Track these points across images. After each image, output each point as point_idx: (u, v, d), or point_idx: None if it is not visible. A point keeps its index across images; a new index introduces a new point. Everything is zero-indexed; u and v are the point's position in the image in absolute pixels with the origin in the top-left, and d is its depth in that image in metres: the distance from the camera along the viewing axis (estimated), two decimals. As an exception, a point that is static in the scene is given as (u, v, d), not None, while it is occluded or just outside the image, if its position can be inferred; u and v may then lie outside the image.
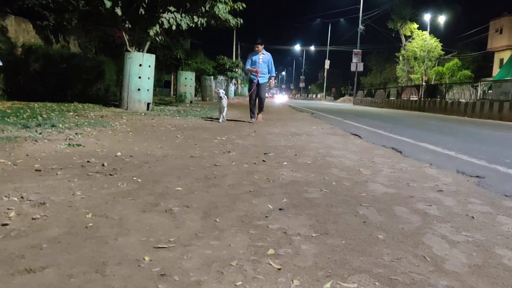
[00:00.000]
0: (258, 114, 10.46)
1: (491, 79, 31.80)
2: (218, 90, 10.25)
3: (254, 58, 10.25)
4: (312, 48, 77.67)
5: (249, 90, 10.40)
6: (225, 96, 9.94)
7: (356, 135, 8.12)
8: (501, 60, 41.99)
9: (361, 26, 46.08)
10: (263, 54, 10.23)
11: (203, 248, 1.93)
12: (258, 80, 10.08)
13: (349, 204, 2.88)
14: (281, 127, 9.13)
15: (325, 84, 69.98)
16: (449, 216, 2.67)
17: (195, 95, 23.07)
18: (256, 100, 10.28)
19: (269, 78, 10.39)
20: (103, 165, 3.71)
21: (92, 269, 1.66)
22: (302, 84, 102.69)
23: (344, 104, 44.46)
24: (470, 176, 4.07)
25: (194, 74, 21.75)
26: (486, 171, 4.37)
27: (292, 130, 8.63)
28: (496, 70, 41.19)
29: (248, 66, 10.35)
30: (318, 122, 11.68)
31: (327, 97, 71.29)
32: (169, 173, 3.57)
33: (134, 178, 3.28)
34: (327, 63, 62.62)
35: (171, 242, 1.99)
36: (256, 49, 10.23)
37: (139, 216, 2.38)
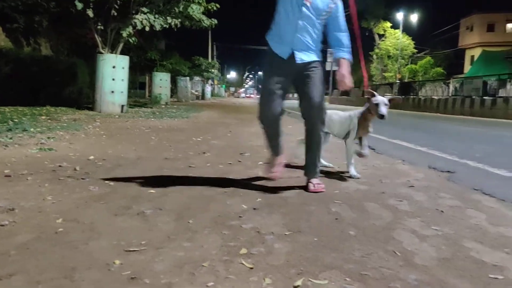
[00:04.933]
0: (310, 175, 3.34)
1: (462, 76, 32.50)
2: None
3: None
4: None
5: (264, 82, 3.25)
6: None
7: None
8: (472, 57, 42.94)
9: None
10: None
11: (175, 250, 1.92)
12: (296, 55, 3.13)
13: (322, 201, 2.90)
14: (257, 127, 9.13)
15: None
16: (420, 211, 2.72)
17: (171, 97, 22.92)
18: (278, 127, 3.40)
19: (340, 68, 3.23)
20: (75, 169, 3.65)
21: (61, 274, 1.63)
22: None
23: (320, 103, 44.60)
24: (441, 171, 4.16)
25: (169, 75, 21.60)
26: (457, 166, 4.46)
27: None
28: (467, 67, 42.11)
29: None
30: (294, 122, 11.73)
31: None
32: (142, 175, 3.53)
33: (107, 182, 3.24)
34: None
35: (142, 245, 1.97)
36: None
37: (111, 220, 2.35)
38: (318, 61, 3.23)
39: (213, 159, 4.49)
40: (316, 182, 3.24)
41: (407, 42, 45.46)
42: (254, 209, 2.65)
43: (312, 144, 3.29)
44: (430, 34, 47.85)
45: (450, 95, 23.28)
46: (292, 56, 3.12)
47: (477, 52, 40.49)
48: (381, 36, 48.00)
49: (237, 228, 2.28)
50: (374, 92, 3.57)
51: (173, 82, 25.29)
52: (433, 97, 24.38)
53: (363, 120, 3.72)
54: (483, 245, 2.13)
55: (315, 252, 1.97)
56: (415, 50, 46.45)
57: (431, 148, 5.90)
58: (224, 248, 1.98)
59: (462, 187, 3.46)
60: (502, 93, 19.14)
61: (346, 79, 3.16)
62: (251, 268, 1.76)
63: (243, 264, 1.79)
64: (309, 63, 3.17)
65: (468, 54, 45.53)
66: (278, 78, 3.15)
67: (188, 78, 27.04)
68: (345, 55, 3.22)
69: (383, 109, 3.45)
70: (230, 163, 4.27)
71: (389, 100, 3.54)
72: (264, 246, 2.02)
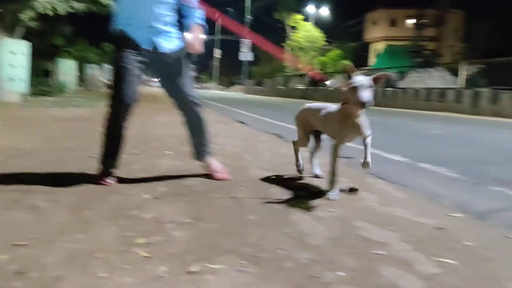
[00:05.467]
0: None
1: (367, 68, 34.37)
2: None
3: None
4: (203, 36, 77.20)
5: (116, 72, 2.86)
6: None
7: (243, 122, 8.29)
8: (376, 51, 45.49)
9: (248, 16, 46.90)
10: None
11: (68, 243, 1.84)
12: (158, 43, 2.90)
13: (227, 189, 2.93)
14: (168, 116, 8.98)
15: (216, 73, 70.27)
16: (319, 195, 2.85)
17: (79, 85, 21.79)
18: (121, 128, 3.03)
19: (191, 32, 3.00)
20: (-39, 161, 3.36)
21: None
22: (194, 73, 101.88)
23: (235, 93, 45.04)
24: (342, 157, 4.37)
25: (75, 62, 20.49)
26: (356, 152, 4.69)
27: (179, 119, 8.54)
28: (372, 60, 44.58)
29: None
30: (206, 111, 11.71)
31: (218, 86, 71.67)
32: (38, 167, 3.34)
33: (-3, 174, 3.02)
34: (217, 52, 62.78)
35: (32, 239, 1.87)
36: None
37: (0, 214, 2.20)
38: (182, 47, 3.02)
39: (118, 149, 4.34)
40: (216, 167, 3.27)
41: (317, 34, 47.03)
42: (156, 198, 2.61)
43: (197, 128, 3.27)
44: (339, 27, 49.96)
45: (356, 86, 24.52)
46: (153, 44, 2.88)
47: (380, 46, 42.99)
48: (293, 28, 49.17)
49: (136, 218, 2.24)
50: (352, 71, 2.58)
51: (81, 69, 24.04)
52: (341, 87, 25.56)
53: (345, 117, 2.75)
54: (372, 224, 2.28)
55: (214, 238, 1.99)
56: (325, 43, 48.23)
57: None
58: (120, 238, 1.93)
59: (359, 172, 3.67)
60: (401, 84, 20.53)
61: (197, 43, 2.96)
62: (147, 257, 1.74)
63: (138, 253, 1.77)
64: (173, 51, 2.97)
65: (372, 48, 48.13)
66: (134, 67, 2.84)
67: (96, 65, 25.85)
68: (198, 21, 3.01)
69: (365, 94, 2.46)
70: (134, 153, 4.16)
71: (375, 79, 2.54)
72: (163, 234, 2.00)
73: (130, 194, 2.69)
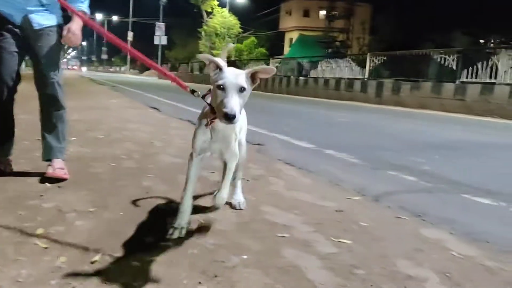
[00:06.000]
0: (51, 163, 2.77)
1: (282, 56, 35.12)
2: None
3: None
4: (115, 18, 74.13)
5: None
6: None
7: (155, 108, 8.14)
8: (291, 40, 46.57)
9: (163, 0, 45.75)
10: None
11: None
12: (32, 19, 2.60)
13: (135, 176, 2.88)
14: (77, 101, 8.54)
15: (129, 57, 67.85)
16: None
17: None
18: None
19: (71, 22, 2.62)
20: None
21: None
22: (105, 56, 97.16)
23: (149, 78, 43.82)
24: (252, 144, 4.47)
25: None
26: (267, 139, 4.86)
27: (88, 103, 8.20)
28: (286, 49, 45.59)
29: None
30: (118, 96, 11.33)
31: (131, 70, 69.31)
32: None
33: None
34: (130, 35, 60.51)
35: None
36: None
37: None
38: (58, 25, 2.66)
39: (18, 135, 4.06)
40: (59, 166, 2.70)
41: (233, 21, 47.08)
42: (59, 187, 2.50)
43: (51, 116, 2.78)
44: (254, 15, 50.41)
45: (271, 74, 24.96)
46: (26, 20, 2.57)
47: (295, 35, 44.06)
48: (209, 13, 48.75)
49: (36, 207, 2.13)
50: (216, 61, 1.77)
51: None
52: (256, 75, 25.85)
53: (203, 125, 1.95)
54: (278, 209, 2.37)
55: (119, 227, 1.95)
56: (241, 30, 48.44)
57: (248, 124, 6.28)
58: (17, 230, 1.83)
59: (269, 158, 3.78)
60: (313, 74, 21.26)
61: (73, 36, 2.57)
62: (46, 248, 1.67)
63: (37, 244, 1.69)
64: (48, 27, 2.63)
65: (287, 37, 49.21)
66: (10, 44, 2.56)
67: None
68: (83, 8, 2.66)
69: (232, 102, 1.65)
70: (38, 139, 3.92)
71: (254, 75, 1.79)
72: (64, 224, 1.93)
73: (30, 182, 2.55)
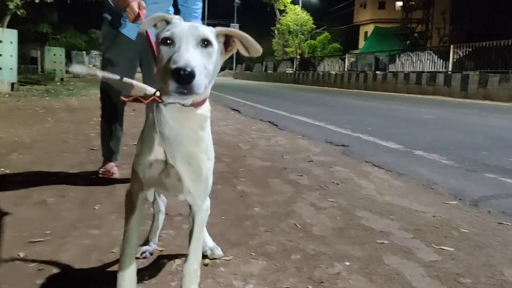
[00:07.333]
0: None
1: (357, 51, 34.40)
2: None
3: None
4: (190, 21, 76.36)
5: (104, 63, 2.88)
6: None
7: (236, 110, 8.34)
8: (366, 33, 45.44)
9: (237, 0, 46.58)
10: None
11: (81, 238, 1.90)
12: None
13: (228, 179, 3.00)
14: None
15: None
16: (317, 185, 2.94)
17: (66, 72, 21.56)
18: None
19: None
20: (-38, 156, 3.38)
21: (-42, 273, 1.56)
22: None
23: (225, 78, 44.90)
24: (337, 145, 4.47)
25: (63, 49, 20.25)
26: (351, 139, 4.82)
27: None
28: (361, 43, 44.56)
29: None
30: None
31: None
32: (40, 161, 3.37)
33: (2, 169, 3.05)
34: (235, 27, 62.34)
35: (46, 235, 1.92)
36: None
37: (10, 210, 2.24)
38: None
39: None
40: (109, 168, 2.93)
41: (306, 18, 46.83)
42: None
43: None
44: (328, 10, 49.79)
45: (346, 70, 24.59)
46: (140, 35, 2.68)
47: (370, 28, 42.93)
48: (281, 11, 48.86)
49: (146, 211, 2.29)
50: (164, 15, 1.19)
51: (69, 57, 23.78)
52: (331, 72, 25.60)
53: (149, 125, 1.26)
54: (372, 213, 2.37)
55: (222, 230, 2.06)
56: (314, 26, 48.07)
57: (328, 123, 6.27)
58: (132, 232, 1.99)
59: (355, 160, 3.76)
60: (392, 68, 20.64)
61: None
62: (161, 250, 1.81)
63: (156, 248, 1.83)
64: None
65: (362, 30, 48.06)
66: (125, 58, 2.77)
67: (84, 52, 25.58)
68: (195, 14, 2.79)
69: (185, 55, 1.01)
70: (135, 144, 4.20)
71: (227, 38, 1.19)
72: (173, 227, 2.07)
73: (135, 187, 2.74)
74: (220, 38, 1.16)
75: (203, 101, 1.17)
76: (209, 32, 1.10)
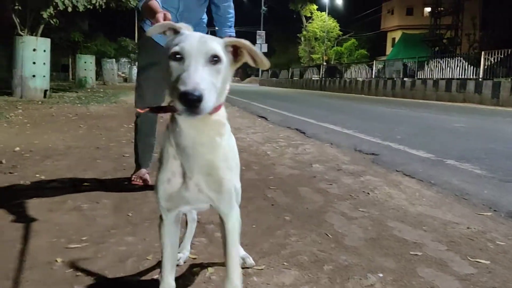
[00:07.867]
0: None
1: (385, 57, 34.04)
2: None
3: None
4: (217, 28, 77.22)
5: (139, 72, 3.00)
6: None
7: (263, 117, 8.36)
8: (393, 39, 44.96)
9: (263, 7, 46.83)
10: None
11: (117, 245, 1.94)
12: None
13: (258, 188, 3.02)
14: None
15: (231, 65, 70.13)
16: (348, 194, 2.92)
17: (96, 79, 22.07)
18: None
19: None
20: (1, 162, 3.49)
21: (3, 276, 1.61)
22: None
23: (251, 85, 45.16)
24: (366, 153, 4.43)
25: (94, 57, 20.74)
26: (380, 148, 4.77)
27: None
28: (389, 49, 44.10)
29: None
30: (225, 105, 11.80)
31: (234, 78, 71.76)
32: (74, 167, 3.46)
33: (37, 175, 3.14)
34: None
35: (83, 241, 1.98)
36: None
37: (46, 216, 2.31)
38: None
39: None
40: (141, 174, 3.01)
41: (332, 24, 46.70)
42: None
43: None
44: (354, 17, 49.50)
45: (373, 77, 24.36)
46: None
47: (397, 35, 42.46)
48: (308, 18, 48.86)
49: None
50: (173, 24, 1.23)
51: (99, 64, 24.32)
52: (357, 79, 25.41)
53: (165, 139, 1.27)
54: (405, 224, 2.34)
55: (254, 238, 2.07)
56: (341, 33, 47.87)
57: (356, 131, 6.22)
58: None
59: (385, 169, 3.72)
60: (420, 75, 20.34)
61: None
62: (194, 258, 1.83)
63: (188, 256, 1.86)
64: None
65: (389, 37, 47.58)
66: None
67: (114, 60, 26.13)
68: (227, 30, 2.89)
69: (193, 76, 1.01)
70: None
71: (235, 49, 1.19)
72: (206, 235, 2.10)
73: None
74: (228, 48, 1.16)
75: (218, 107, 1.18)
76: (218, 46, 1.11)
